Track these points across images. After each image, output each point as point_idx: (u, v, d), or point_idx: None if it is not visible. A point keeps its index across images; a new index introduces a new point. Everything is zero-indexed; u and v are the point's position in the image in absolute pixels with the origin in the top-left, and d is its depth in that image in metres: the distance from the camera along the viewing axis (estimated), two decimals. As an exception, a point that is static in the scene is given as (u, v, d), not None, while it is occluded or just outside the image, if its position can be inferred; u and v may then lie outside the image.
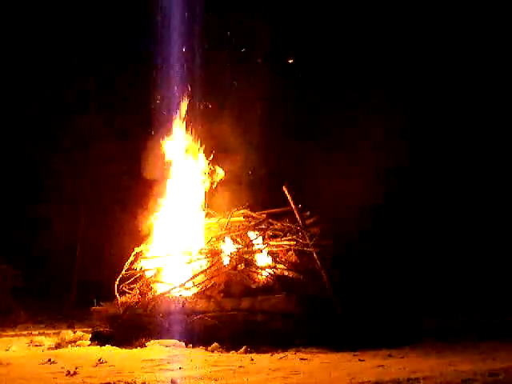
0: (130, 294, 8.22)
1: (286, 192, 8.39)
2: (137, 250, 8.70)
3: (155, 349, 6.88)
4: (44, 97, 15.33)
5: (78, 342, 7.66)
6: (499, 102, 14.36)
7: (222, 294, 7.62)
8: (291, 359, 6.22)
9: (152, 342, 7.13)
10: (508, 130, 14.13)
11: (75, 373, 5.25)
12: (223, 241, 8.49)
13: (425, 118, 14.48)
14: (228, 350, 6.89)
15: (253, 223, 8.62)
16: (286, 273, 7.94)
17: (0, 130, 15.21)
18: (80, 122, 15.47)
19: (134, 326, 7.55)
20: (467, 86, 14.31)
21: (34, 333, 9.38)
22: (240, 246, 8.32)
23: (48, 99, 15.30)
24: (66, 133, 15.35)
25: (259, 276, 7.87)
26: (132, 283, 8.42)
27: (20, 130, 15.45)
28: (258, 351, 6.75)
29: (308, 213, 8.51)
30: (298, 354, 6.54)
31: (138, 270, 8.58)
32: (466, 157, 14.63)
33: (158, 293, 7.96)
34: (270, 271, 7.92)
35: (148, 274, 8.48)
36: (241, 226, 8.72)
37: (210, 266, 8.12)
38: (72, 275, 15.71)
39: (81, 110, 15.54)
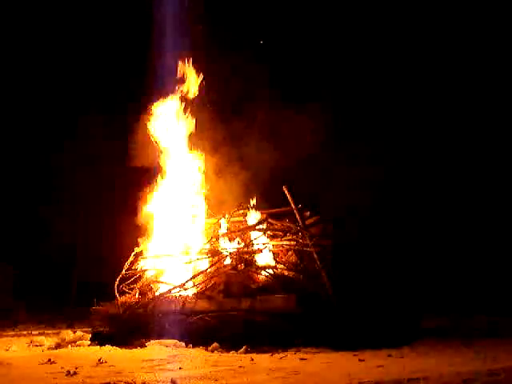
0: (130, 294, 8.23)
1: (286, 192, 8.39)
2: (137, 250, 8.70)
3: (155, 349, 6.88)
4: (44, 97, 15.34)
5: (78, 342, 7.67)
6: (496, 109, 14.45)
7: (221, 294, 7.62)
8: (291, 359, 6.21)
9: (152, 342, 7.13)
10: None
11: (75, 373, 5.25)
12: (223, 241, 8.49)
13: (426, 119, 14.51)
14: (228, 350, 6.88)
15: (253, 223, 8.61)
16: (286, 273, 7.94)
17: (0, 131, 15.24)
18: (80, 121, 15.48)
19: (134, 326, 7.55)
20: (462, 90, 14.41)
21: (34, 333, 9.39)
22: (240, 246, 8.31)
23: (48, 99, 15.31)
24: (65, 133, 15.35)
25: (259, 276, 7.87)
26: (132, 283, 8.42)
27: (20, 130, 15.46)
28: (258, 351, 6.74)
29: (308, 213, 8.51)
30: (298, 353, 6.54)
31: (137, 270, 8.58)
32: (467, 157, 14.63)
33: (158, 293, 7.97)
34: (270, 271, 7.91)
35: (148, 274, 8.48)
36: (241, 226, 8.72)
37: (209, 266, 8.12)
38: (72, 275, 15.73)
39: (81, 110, 15.54)
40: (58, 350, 7.19)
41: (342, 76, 13.84)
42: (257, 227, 8.48)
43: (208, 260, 8.25)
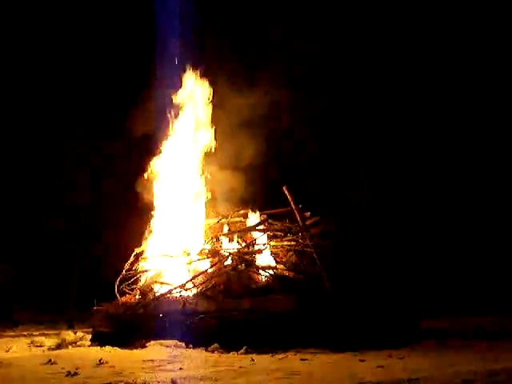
0: (130, 294, 8.23)
1: (287, 192, 8.39)
2: (137, 250, 8.70)
3: (156, 349, 6.89)
4: (44, 97, 15.35)
5: (78, 343, 7.68)
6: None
7: (222, 295, 7.62)
8: (291, 359, 6.22)
9: (152, 342, 7.13)
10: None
11: (76, 373, 5.26)
12: (224, 241, 8.50)
13: (424, 119, 14.54)
14: (228, 351, 6.88)
15: (253, 223, 8.61)
16: (287, 273, 7.95)
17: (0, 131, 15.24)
18: (80, 122, 15.48)
19: (134, 327, 7.55)
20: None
21: (34, 333, 9.39)
22: (240, 247, 8.32)
23: (48, 99, 15.31)
24: (65, 133, 15.35)
25: (260, 276, 7.87)
26: (132, 284, 8.42)
27: (20, 130, 15.46)
28: (259, 352, 6.75)
29: (308, 213, 8.51)
30: (298, 354, 6.54)
31: (138, 270, 8.58)
32: (468, 157, 14.64)
33: (159, 293, 7.97)
34: (271, 272, 7.92)
35: (148, 275, 8.48)
36: (241, 227, 8.72)
37: (210, 267, 8.12)
38: (72, 275, 15.73)
39: (81, 110, 15.54)
40: (58, 351, 7.20)
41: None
42: (257, 228, 8.49)
43: (208, 260, 8.25)
